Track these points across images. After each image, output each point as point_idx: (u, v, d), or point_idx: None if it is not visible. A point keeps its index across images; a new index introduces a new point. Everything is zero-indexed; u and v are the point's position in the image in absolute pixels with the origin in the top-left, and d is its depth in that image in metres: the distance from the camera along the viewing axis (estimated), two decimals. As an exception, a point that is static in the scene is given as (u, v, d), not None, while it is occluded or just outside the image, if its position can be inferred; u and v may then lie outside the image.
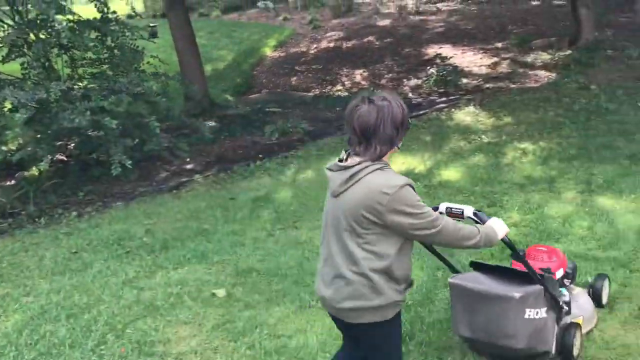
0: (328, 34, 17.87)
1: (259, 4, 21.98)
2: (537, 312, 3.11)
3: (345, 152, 2.47)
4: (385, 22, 18.40)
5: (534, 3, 18.73)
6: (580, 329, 3.43)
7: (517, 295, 3.03)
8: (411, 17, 18.78)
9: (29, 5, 7.33)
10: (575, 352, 3.34)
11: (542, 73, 11.77)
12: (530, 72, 11.99)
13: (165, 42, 12.94)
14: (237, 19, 21.74)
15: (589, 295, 3.76)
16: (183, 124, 8.68)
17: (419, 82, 12.40)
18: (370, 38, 16.74)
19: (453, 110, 10.00)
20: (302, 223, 5.88)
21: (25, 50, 7.51)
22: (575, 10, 12.72)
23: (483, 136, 8.41)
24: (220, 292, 4.49)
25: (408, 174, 7.07)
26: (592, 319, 3.64)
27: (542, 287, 3.12)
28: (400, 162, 7.56)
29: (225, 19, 21.96)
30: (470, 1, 20.25)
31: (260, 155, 8.36)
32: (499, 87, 11.25)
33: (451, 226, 2.46)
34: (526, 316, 3.06)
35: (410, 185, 2.36)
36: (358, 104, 2.38)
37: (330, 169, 2.49)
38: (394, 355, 2.59)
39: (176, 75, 9.25)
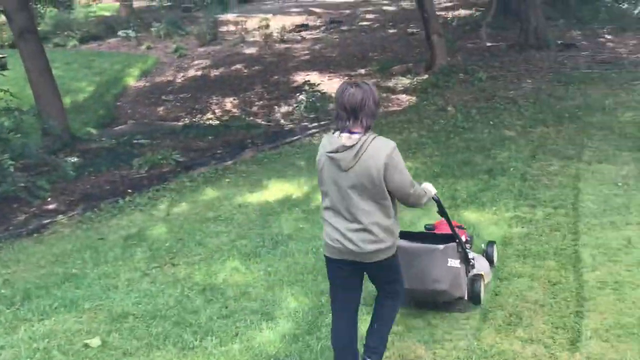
0: (195, 62, 17.62)
1: (120, 32, 21.31)
2: (455, 262, 4.06)
3: (336, 132, 3.14)
4: (252, 50, 18.52)
5: (391, 31, 19.81)
6: (483, 280, 4.36)
7: (441, 247, 4.02)
8: (277, 45, 19.07)
9: None
10: (482, 297, 4.29)
11: (404, 97, 12.42)
12: (392, 97, 12.61)
13: (16, 74, 12.01)
14: (97, 49, 20.74)
15: (484, 257, 4.74)
16: (41, 161, 8.05)
17: (290, 108, 12.57)
18: (238, 66, 16.74)
19: (324, 134, 10.20)
20: (180, 259, 5.63)
21: None
22: (428, 37, 13.62)
23: (354, 159, 8.63)
24: (94, 342, 4.15)
25: (285, 201, 7.08)
26: (489, 274, 4.57)
27: (457, 242, 4.09)
28: (277, 188, 7.54)
29: (84, 49, 20.87)
30: (332, 30, 20.99)
31: (130, 190, 7.96)
32: (366, 111, 11.68)
33: (418, 188, 3.28)
34: (448, 264, 4.02)
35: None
36: (346, 87, 3.12)
37: (335, 151, 3.08)
38: (401, 280, 3.48)
39: (31, 110, 8.59)
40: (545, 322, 4.03)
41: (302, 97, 12.49)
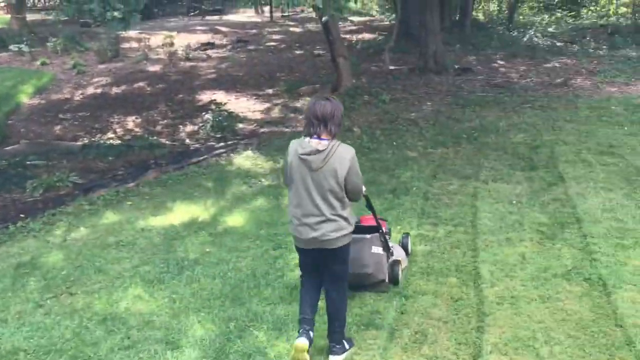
0: (95, 80, 16.92)
1: (11, 47, 20.10)
2: (378, 249, 4.77)
3: (307, 137, 3.79)
4: (156, 67, 18.08)
5: (298, 52, 20.06)
6: (401, 265, 5.03)
7: (368, 236, 4.73)
8: (182, 63, 18.74)
9: None
10: (400, 279, 4.97)
11: (311, 117, 12.54)
12: (300, 117, 12.70)
13: None
14: (-15, 63, 19.44)
15: (400, 246, 5.43)
16: None
17: (196, 128, 12.32)
18: (141, 84, 16.27)
19: (232, 154, 10.09)
20: (77, 288, 5.31)
21: None
22: (334, 60, 13.90)
23: (263, 179, 8.60)
24: (-21, 383, 3.81)
25: (191, 224, 6.90)
26: (405, 260, 5.31)
27: (379, 232, 4.83)
28: (182, 211, 7.34)
29: (-30, 63, 19.50)
30: (239, 49, 20.95)
31: (22, 215, 7.43)
32: (274, 132, 11.70)
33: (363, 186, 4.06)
34: (372, 251, 4.73)
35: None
36: (318, 100, 3.83)
37: (308, 154, 3.73)
38: (348, 266, 4.13)
39: None
40: (449, 338, 4.16)
41: (208, 116, 12.28)
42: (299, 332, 3.95)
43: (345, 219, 3.87)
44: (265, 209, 7.35)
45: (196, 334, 4.37)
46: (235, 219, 6.99)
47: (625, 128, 10.03)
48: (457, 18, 22.81)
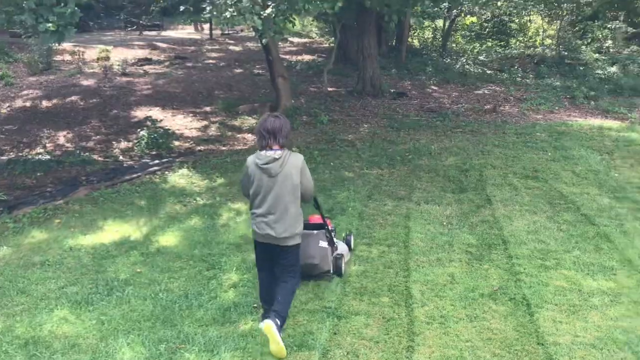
0: (24, 92, 16.31)
1: None
2: (324, 244, 5.45)
3: (262, 150, 4.43)
4: (90, 81, 17.62)
5: (237, 71, 20.03)
6: (344, 258, 5.75)
7: (315, 232, 5.46)
8: (117, 78, 18.35)
9: None
10: (343, 271, 5.66)
11: (249, 136, 12.54)
12: (238, 135, 12.68)
13: None
14: None
15: (344, 242, 6.16)
16: None
17: (130, 144, 12.06)
18: (74, 98, 15.80)
19: (167, 172, 9.92)
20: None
21: None
22: (273, 80, 13.98)
23: (198, 198, 8.50)
24: None
25: (123, 243, 6.73)
26: (348, 255, 6.03)
27: (326, 229, 5.54)
28: (114, 230, 7.15)
29: None
30: (177, 66, 20.72)
31: (-61, 233, 7.04)
32: (211, 150, 11.61)
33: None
34: (319, 245, 5.42)
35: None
36: (268, 117, 4.50)
37: (266, 163, 4.38)
38: (299, 263, 4.79)
39: None
40: (380, 358, 4.23)
41: (143, 133, 12.05)
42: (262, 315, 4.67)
43: (297, 219, 4.51)
44: (200, 228, 7.27)
45: (125, 356, 4.26)
46: (168, 239, 6.87)
47: (549, 154, 10.54)
48: (393, 44, 23.44)
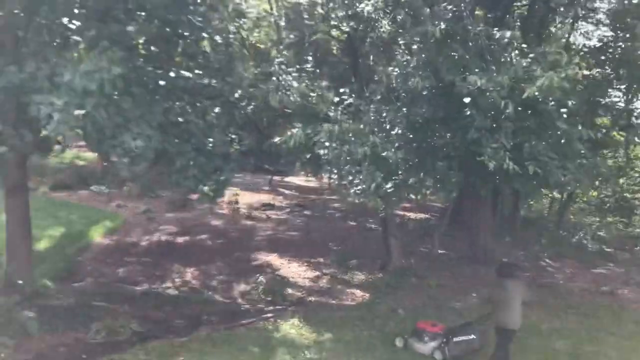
0: (162, 227, 18.20)
1: (93, 187, 22.02)
2: None
3: None
4: (219, 222, 19.31)
5: (351, 224, 21.07)
6: None
7: None
8: (243, 221, 19.96)
9: None
10: None
11: (358, 292, 13.07)
12: (347, 290, 13.25)
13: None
14: (67, 198, 21.22)
15: None
16: (6, 315, 8.05)
17: (248, 288, 12.98)
18: (203, 236, 17.38)
19: (279, 321, 10.57)
20: None
21: None
22: (386, 238, 14.68)
23: (306, 351, 8.98)
24: None
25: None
26: None
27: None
28: (228, 375, 7.75)
29: (54, 196, 21.32)
30: (296, 213, 22.20)
31: (84, 357, 8.02)
32: (320, 302, 12.22)
33: None
34: None
35: None
36: None
37: None
38: None
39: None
40: None
41: (261, 278, 12.98)
42: None
43: None
44: (306, 385, 7.68)
45: None
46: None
47: (670, 349, 10.03)
48: (508, 212, 23.63)
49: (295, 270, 14.58)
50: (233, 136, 8.90)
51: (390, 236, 14.54)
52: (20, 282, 9.59)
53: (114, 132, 6.70)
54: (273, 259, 15.39)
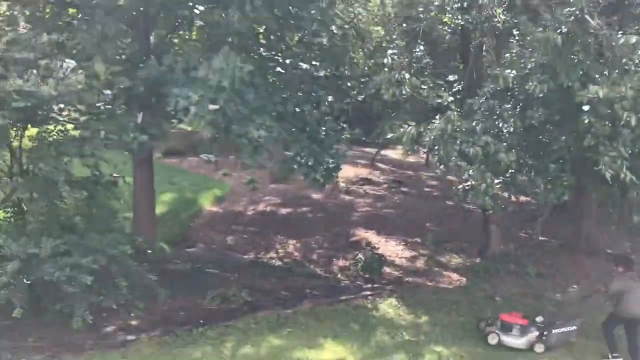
0: (265, 198, 19.07)
1: (202, 155, 23.26)
2: None
3: None
4: (319, 196, 19.91)
5: (449, 203, 20.99)
6: None
7: None
8: (341, 195, 20.46)
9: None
10: None
11: (455, 276, 13.22)
12: (444, 272, 13.43)
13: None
14: (178, 165, 22.56)
15: None
16: (139, 280, 8.91)
17: (347, 263, 13.49)
18: (304, 209, 18.06)
19: (377, 299, 10.99)
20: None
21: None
22: (486, 223, 14.62)
23: (404, 333, 9.36)
24: None
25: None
26: None
27: None
28: (332, 350, 8.30)
29: (166, 162, 22.74)
30: (394, 190, 22.40)
31: (201, 321, 8.84)
32: (417, 283, 12.51)
33: None
34: None
35: None
36: None
37: None
38: None
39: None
40: None
41: (360, 255, 13.42)
42: None
43: None
44: (406, 366, 8.08)
45: None
46: (378, 370, 7.79)
47: None
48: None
49: (392, 249, 14.91)
50: (344, 125, 9.26)
51: (492, 223, 14.45)
52: (147, 248, 10.51)
53: (240, 123, 7.27)
54: (370, 235, 15.77)
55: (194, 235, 15.14)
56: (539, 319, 9.32)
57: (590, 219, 15.74)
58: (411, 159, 32.31)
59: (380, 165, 27.84)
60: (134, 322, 8.56)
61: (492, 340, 9.12)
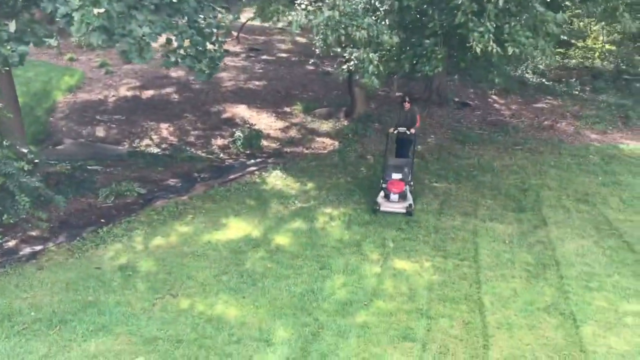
0: (123, 81, 18.26)
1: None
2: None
3: None
4: (179, 73, 19.43)
5: (309, 68, 21.57)
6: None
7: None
8: (202, 70, 20.10)
9: None
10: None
11: (328, 140, 14.16)
12: (317, 139, 14.31)
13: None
14: (15, 53, 20.51)
15: None
16: (36, 193, 8.55)
17: (225, 142, 13.82)
18: (169, 90, 17.66)
19: (264, 173, 11.64)
20: (177, 291, 6.88)
21: None
22: (351, 87, 15.49)
23: (296, 201, 10.19)
24: (138, 361, 5.38)
25: (248, 240, 8.48)
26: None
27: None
28: (237, 227, 8.91)
29: (0, 51, 20.56)
30: (253, 59, 22.38)
31: (103, 220, 8.93)
32: (295, 152, 13.28)
33: None
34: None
35: None
36: None
37: None
38: None
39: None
40: (464, 352, 5.86)
41: (238, 133, 13.77)
42: None
43: None
44: (304, 230, 8.96)
45: (282, 335, 6.00)
46: (282, 239, 8.60)
47: (600, 178, 11.83)
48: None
49: (265, 122, 15.38)
50: (222, 10, 9.09)
51: (355, 86, 15.31)
52: (25, 151, 9.85)
53: (120, 21, 6.89)
54: (241, 110, 16.05)
55: (56, 132, 14.38)
56: None
57: (440, 74, 17.21)
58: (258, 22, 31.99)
59: (233, 33, 27.27)
60: (33, 233, 8.43)
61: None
